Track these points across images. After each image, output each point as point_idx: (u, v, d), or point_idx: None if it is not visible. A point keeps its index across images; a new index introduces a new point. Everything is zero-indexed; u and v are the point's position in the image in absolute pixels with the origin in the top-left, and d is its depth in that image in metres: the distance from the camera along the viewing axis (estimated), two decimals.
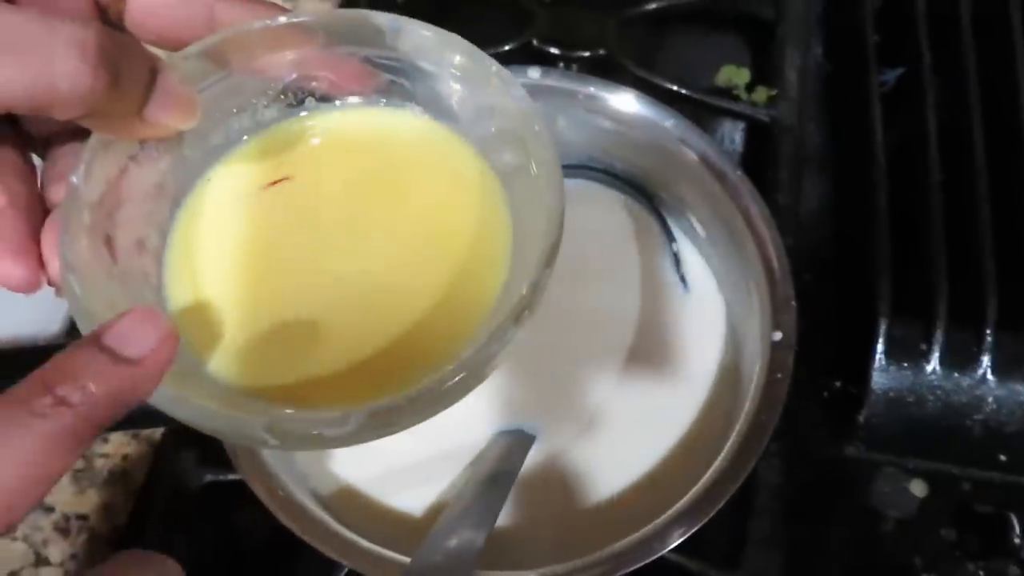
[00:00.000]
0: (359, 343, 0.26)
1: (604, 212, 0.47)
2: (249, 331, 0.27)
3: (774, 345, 0.37)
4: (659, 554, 0.34)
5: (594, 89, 0.43)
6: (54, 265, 0.25)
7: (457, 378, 0.23)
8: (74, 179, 0.25)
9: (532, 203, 0.26)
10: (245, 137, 0.30)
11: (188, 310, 0.27)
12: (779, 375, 0.36)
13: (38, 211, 0.27)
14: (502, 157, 0.28)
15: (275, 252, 0.28)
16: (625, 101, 0.43)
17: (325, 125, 0.30)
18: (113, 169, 0.26)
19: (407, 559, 0.34)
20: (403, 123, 0.30)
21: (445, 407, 0.24)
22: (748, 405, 0.36)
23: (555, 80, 0.43)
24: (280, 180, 0.29)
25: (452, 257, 0.27)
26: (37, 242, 0.26)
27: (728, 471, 0.35)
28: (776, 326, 0.37)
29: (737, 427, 0.36)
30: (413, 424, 0.24)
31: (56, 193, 0.27)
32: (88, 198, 0.25)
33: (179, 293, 0.27)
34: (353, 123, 0.30)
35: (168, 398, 0.23)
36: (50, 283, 0.26)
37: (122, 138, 0.26)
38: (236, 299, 0.27)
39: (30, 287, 0.26)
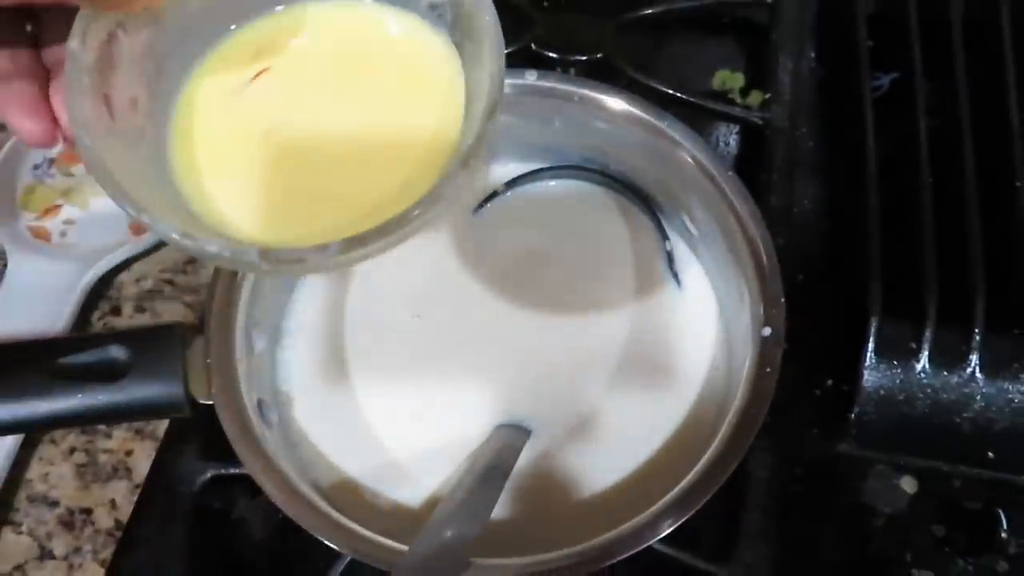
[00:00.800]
0: (342, 197, 0.31)
1: (600, 212, 0.48)
2: (245, 191, 0.31)
3: (763, 341, 0.38)
4: (648, 543, 0.34)
5: (590, 92, 0.44)
6: (64, 118, 0.29)
7: (416, 211, 0.27)
8: (73, 45, 0.28)
9: (479, 70, 0.30)
10: (232, 27, 0.33)
11: (189, 174, 0.31)
12: (768, 369, 0.37)
13: (42, 75, 0.30)
14: (453, 32, 0.32)
15: (265, 129, 0.32)
16: (620, 104, 0.43)
17: (298, 20, 0.34)
18: (103, 35, 0.29)
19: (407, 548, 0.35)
20: (367, 11, 0.34)
21: (410, 235, 0.28)
22: (738, 399, 0.37)
23: (552, 82, 0.44)
24: (261, 72, 0.33)
25: (417, 123, 0.31)
26: (47, 102, 0.29)
27: (718, 463, 0.35)
28: (766, 322, 0.38)
29: (727, 420, 0.36)
30: (385, 250, 0.28)
31: (50, 55, 0.30)
32: (85, 62, 0.28)
33: (181, 163, 0.31)
34: (323, 15, 0.34)
35: (177, 233, 0.27)
36: (64, 138, 0.30)
37: (107, 10, 0.28)
38: (232, 168, 0.31)
39: (46, 141, 0.30)
